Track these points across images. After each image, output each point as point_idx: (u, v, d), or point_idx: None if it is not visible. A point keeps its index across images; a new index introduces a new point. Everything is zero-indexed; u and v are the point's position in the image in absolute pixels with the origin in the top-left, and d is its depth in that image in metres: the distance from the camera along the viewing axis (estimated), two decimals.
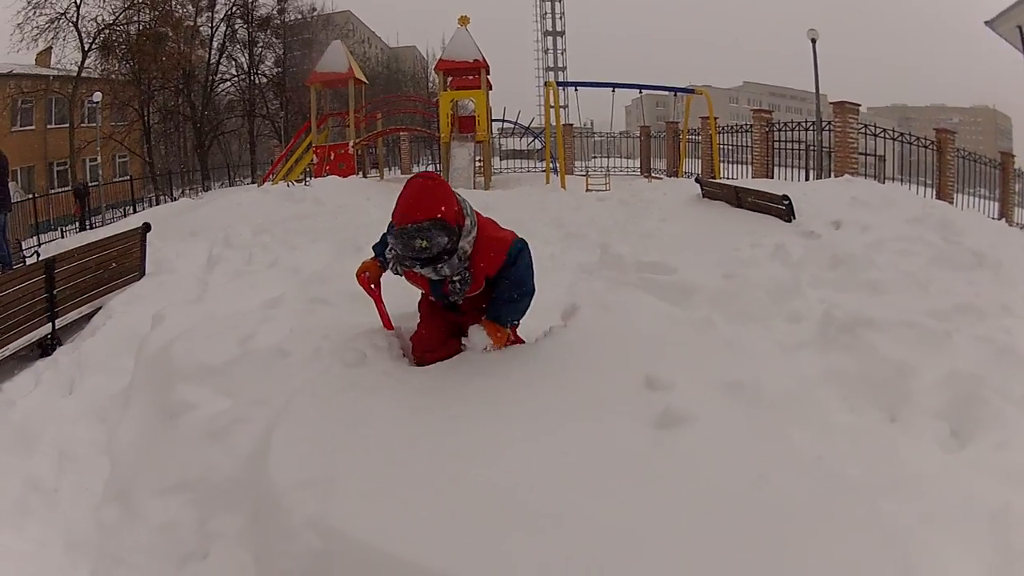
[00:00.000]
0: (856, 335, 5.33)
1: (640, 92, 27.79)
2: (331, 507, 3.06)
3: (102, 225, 26.88)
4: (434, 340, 4.69)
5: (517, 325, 4.67)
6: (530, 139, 35.24)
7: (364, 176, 30.17)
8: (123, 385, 5.71)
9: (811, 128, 23.26)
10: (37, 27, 37.75)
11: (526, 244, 4.52)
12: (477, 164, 28.70)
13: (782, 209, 10.67)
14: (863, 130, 22.01)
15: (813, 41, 22.43)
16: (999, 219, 17.54)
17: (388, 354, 4.51)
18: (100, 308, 9.07)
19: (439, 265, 4.15)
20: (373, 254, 4.86)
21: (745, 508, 2.94)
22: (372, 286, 4.81)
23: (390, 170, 36.27)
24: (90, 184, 32.95)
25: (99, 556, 3.82)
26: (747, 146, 26.49)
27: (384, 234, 4.64)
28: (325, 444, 3.49)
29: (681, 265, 7.75)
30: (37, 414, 6.01)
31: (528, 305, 4.57)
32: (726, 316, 6.13)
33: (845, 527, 2.94)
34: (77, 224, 29.38)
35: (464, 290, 4.33)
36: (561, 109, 29.55)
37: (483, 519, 2.89)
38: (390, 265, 4.49)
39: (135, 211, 30.38)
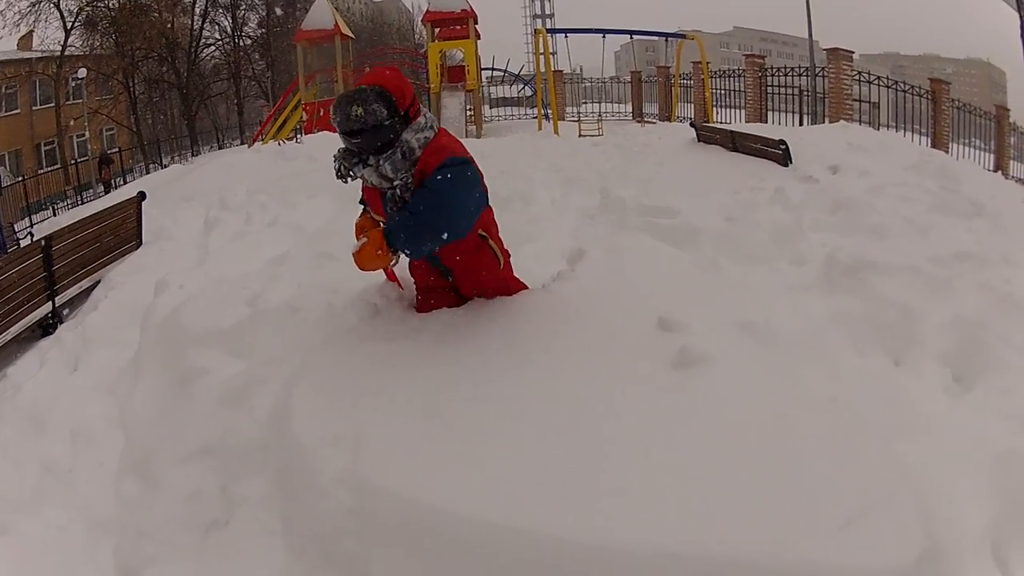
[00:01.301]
0: (860, 279, 5.44)
1: (631, 38, 27.53)
2: (361, 461, 3.08)
3: (94, 198, 26.85)
4: (433, 290, 4.37)
5: (404, 255, 3.94)
6: (520, 86, 35.10)
7: None
8: (130, 356, 5.65)
9: (804, 74, 23.20)
10: (19, 12, 37.47)
11: (473, 165, 3.96)
12: (468, 113, 28.78)
13: (779, 154, 10.66)
14: (857, 77, 21.93)
15: None
16: (995, 172, 17.57)
17: (399, 305, 4.40)
18: (99, 281, 9.03)
19: (381, 161, 3.79)
20: (362, 208, 4.46)
21: (769, 446, 2.98)
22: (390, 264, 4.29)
23: None
24: (110, 151, 34.91)
25: (122, 532, 3.77)
26: (740, 91, 26.34)
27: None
28: (347, 398, 3.49)
29: (683, 208, 7.83)
30: (45, 395, 5.93)
31: (432, 239, 3.79)
32: (731, 258, 6.19)
33: (864, 465, 2.98)
34: (103, 189, 30.37)
35: (399, 204, 3.87)
36: (551, 56, 29.42)
37: (511, 464, 2.91)
38: (335, 169, 4.02)
39: (125, 182, 30.32)
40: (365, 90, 3.74)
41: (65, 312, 8.65)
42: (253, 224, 9.60)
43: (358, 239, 4.06)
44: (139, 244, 10.07)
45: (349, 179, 3.98)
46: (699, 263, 5.50)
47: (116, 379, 5.66)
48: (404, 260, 4.22)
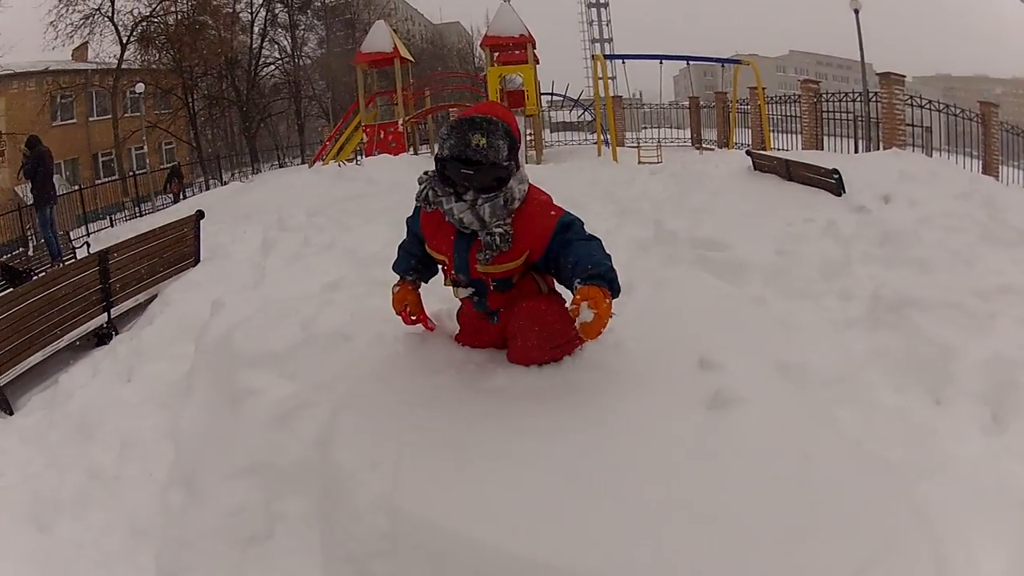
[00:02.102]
0: (903, 315, 5.47)
1: (688, 64, 27.38)
2: (397, 488, 3.12)
3: (152, 211, 27.34)
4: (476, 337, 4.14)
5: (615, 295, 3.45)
6: (580, 111, 35.06)
7: (415, 153, 30.10)
8: (183, 372, 5.77)
9: (858, 99, 22.93)
10: (71, 24, 38.17)
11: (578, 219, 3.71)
12: (528, 138, 28.55)
13: (832, 183, 10.59)
14: (909, 101, 21.56)
15: (856, 12, 22.18)
16: None
17: (446, 337, 4.34)
18: (156, 296, 9.25)
19: (481, 201, 3.53)
20: (399, 277, 4.27)
21: (789, 489, 2.95)
22: (414, 317, 4.24)
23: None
24: (179, 165, 36.08)
25: (164, 540, 3.90)
26: (796, 116, 26.06)
27: (402, 248, 4.22)
28: (390, 426, 3.52)
29: (734, 241, 7.85)
30: (96, 403, 6.18)
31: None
32: (778, 293, 6.24)
33: (882, 509, 2.96)
34: (172, 200, 31.46)
35: (496, 252, 3.58)
36: (609, 81, 29.27)
37: (548, 497, 2.94)
38: (420, 195, 3.78)
39: (184, 196, 30.88)
40: (494, 122, 3.49)
41: (120, 324, 8.89)
42: (310, 247, 9.74)
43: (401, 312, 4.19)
44: (197, 261, 10.31)
45: (430, 207, 3.76)
46: (746, 299, 5.50)
47: (168, 393, 5.93)
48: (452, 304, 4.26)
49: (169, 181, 34.18)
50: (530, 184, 3.76)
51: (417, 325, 4.30)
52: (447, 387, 3.81)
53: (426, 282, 4.28)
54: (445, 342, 4.27)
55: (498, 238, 3.55)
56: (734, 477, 3.00)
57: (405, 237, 4.21)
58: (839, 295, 6.28)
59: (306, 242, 10.00)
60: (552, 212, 3.65)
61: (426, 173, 3.82)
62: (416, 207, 3.91)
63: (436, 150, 3.67)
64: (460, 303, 4.12)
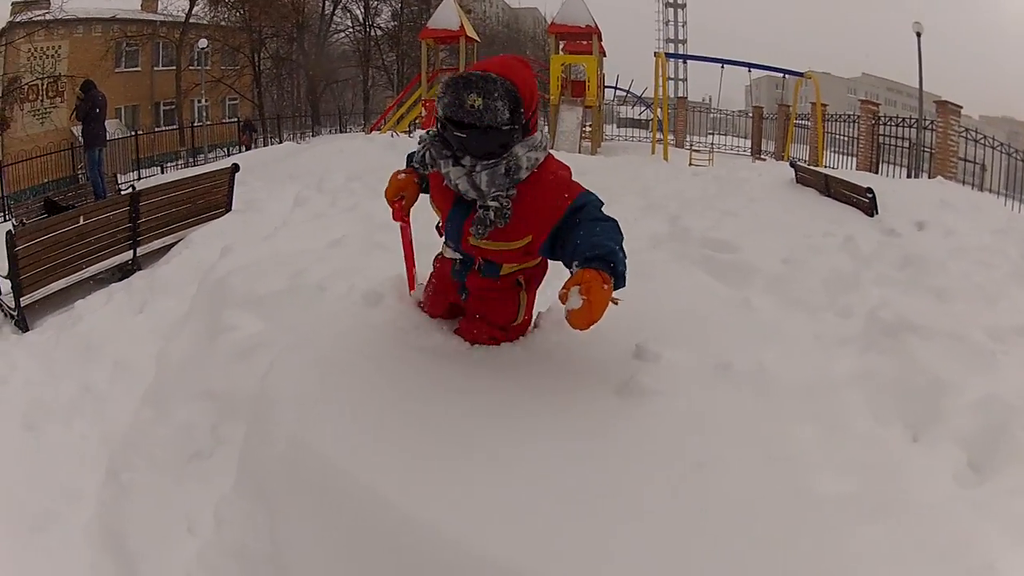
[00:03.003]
0: (899, 339, 5.13)
1: (749, 71, 27.12)
2: (306, 422, 3.27)
3: (204, 163, 27.81)
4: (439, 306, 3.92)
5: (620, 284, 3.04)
6: (641, 108, 34.90)
7: None
8: (187, 308, 6.10)
9: (914, 125, 22.62)
10: None
11: (600, 201, 3.26)
12: (585, 129, 28.55)
13: (865, 202, 10.51)
14: (964, 134, 21.15)
15: (918, 35, 21.94)
16: None
17: (407, 298, 4.25)
18: (182, 239, 9.52)
19: (479, 167, 3.19)
20: (406, 163, 3.88)
21: (675, 494, 2.78)
22: (404, 220, 3.90)
23: None
24: (254, 120, 37.29)
25: (124, 446, 4.30)
26: (855, 137, 25.68)
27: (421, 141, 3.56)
28: (320, 369, 3.61)
29: (746, 245, 7.78)
30: (103, 329, 6.57)
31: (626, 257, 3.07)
32: (776, 301, 6.12)
33: (789, 544, 2.66)
34: (243, 148, 32.59)
35: (490, 228, 3.19)
36: (680, 82, 29.04)
37: (428, 452, 3.00)
38: (417, 154, 3.53)
39: (240, 152, 31.31)
40: (494, 80, 3.05)
41: (146, 263, 9.24)
42: (335, 207, 9.96)
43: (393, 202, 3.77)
44: (228, 210, 10.58)
45: (429, 169, 3.45)
46: (731, 300, 5.36)
47: (171, 326, 6.16)
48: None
49: (241, 132, 35.40)
50: (550, 156, 3.36)
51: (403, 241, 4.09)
52: (383, 340, 3.81)
53: (424, 191, 3.80)
54: (400, 303, 4.19)
55: (492, 213, 3.16)
56: (618, 472, 2.88)
57: None
58: (838, 312, 6.09)
59: (333, 203, 10.27)
60: (566, 193, 3.21)
61: (428, 132, 3.46)
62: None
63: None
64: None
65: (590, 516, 2.65)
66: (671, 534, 2.60)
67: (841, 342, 5.35)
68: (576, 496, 2.73)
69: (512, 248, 3.31)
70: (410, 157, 3.80)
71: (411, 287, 4.15)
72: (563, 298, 2.85)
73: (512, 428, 3.08)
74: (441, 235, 3.61)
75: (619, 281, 2.98)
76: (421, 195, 3.82)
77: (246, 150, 31.58)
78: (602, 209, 3.20)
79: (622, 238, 3.09)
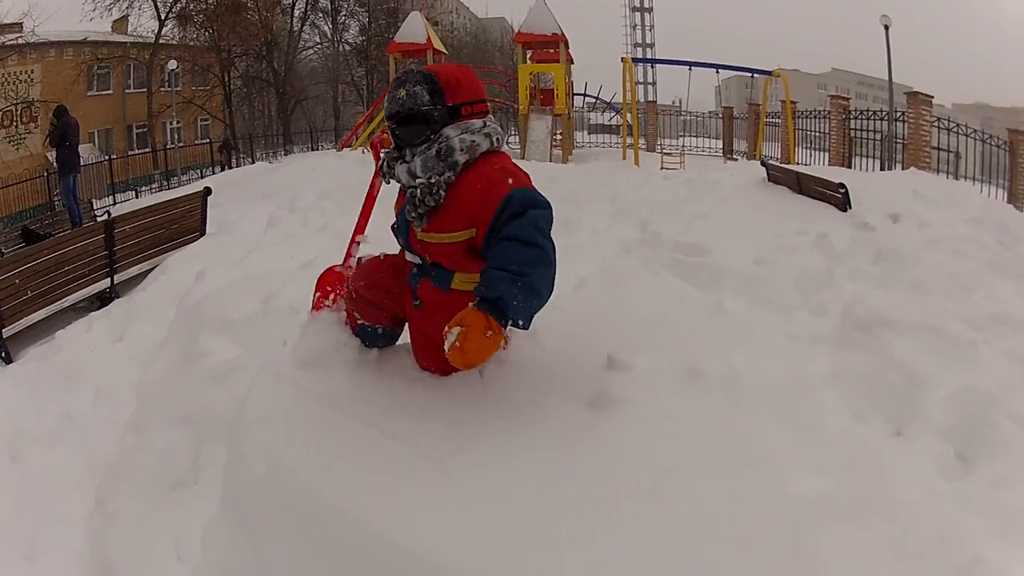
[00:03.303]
0: (873, 335, 5.03)
1: (717, 72, 27.25)
2: (283, 446, 3.33)
3: (178, 186, 27.81)
4: (376, 276, 3.78)
5: (517, 327, 3.10)
6: (611, 114, 34.99)
7: None
8: (164, 334, 6.14)
9: (885, 118, 22.72)
10: None
11: (546, 202, 3.19)
12: (556, 137, 28.68)
13: (838, 197, 10.52)
14: (936, 123, 21.26)
15: (886, 28, 22.06)
16: None
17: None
18: (158, 265, 9.56)
19: (415, 154, 3.30)
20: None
21: (645, 500, 2.78)
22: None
23: None
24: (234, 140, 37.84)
25: (109, 473, 4.36)
26: (826, 133, 25.88)
27: None
28: (295, 392, 3.65)
29: (716, 248, 7.78)
30: (83, 357, 6.62)
31: (542, 295, 3.05)
32: (746, 303, 6.04)
33: (762, 546, 2.65)
34: (221, 170, 32.27)
35: (427, 205, 3.23)
36: (649, 86, 29.17)
37: (400, 471, 3.03)
38: (382, 163, 3.57)
39: (213, 173, 31.30)
40: (415, 73, 3.31)
41: (124, 290, 9.30)
42: (307, 227, 10.05)
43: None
44: (202, 234, 10.65)
45: (391, 180, 3.52)
46: (702, 304, 5.28)
47: (149, 352, 6.19)
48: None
49: (220, 151, 35.67)
50: (504, 154, 3.40)
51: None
52: (356, 361, 3.82)
53: None
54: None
55: (419, 190, 3.23)
56: (588, 481, 2.88)
57: None
58: (813, 310, 5.99)
59: (305, 223, 10.35)
60: (508, 181, 3.16)
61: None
62: None
63: None
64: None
65: (561, 526, 2.67)
66: (642, 539, 2.61)
67: (815, 340, 5.27)
68: (548, 508, 2.75)
69: (454, 241, 3.28)
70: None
71: (348, 257, 4.23)
72: (444, 335, 2.95)
73: (486, 445, 3.08)
74: (395, 235, 3.63)
75: (505, 323, 3.00)
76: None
77: (225, 169, 31.90)
78: (537, 222, 3.09)
79: (536, 271, 3.01)
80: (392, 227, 3.65)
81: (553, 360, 3.71)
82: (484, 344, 2.93)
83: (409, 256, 3.56)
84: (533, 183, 3.28)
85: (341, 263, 4.19)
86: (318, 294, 4.03)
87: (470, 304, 2.99)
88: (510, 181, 3.15)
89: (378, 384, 3.61)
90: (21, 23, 33.12)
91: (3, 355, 8.14)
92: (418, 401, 3.44)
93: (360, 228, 4.24)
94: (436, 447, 3.07)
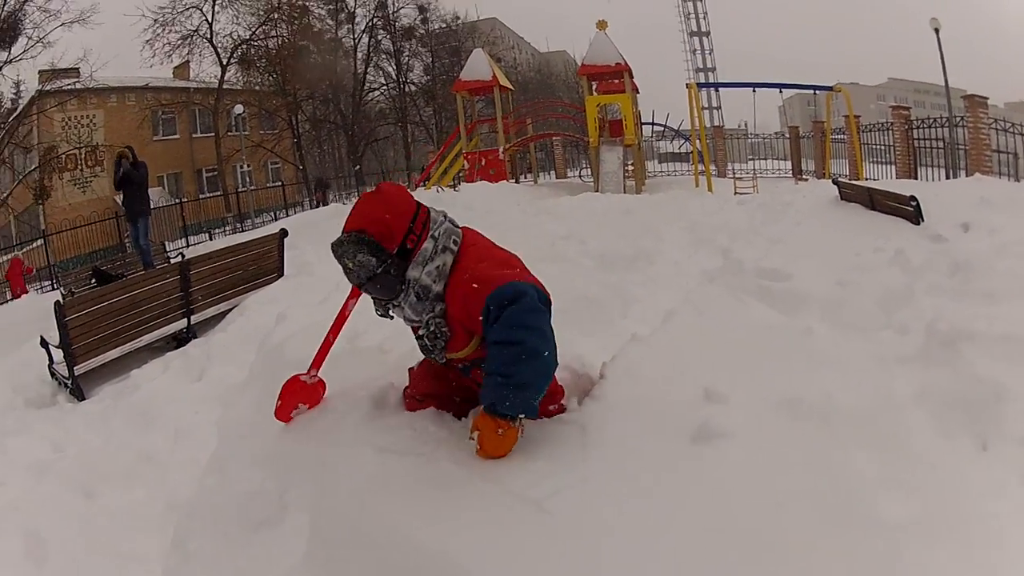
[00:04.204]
0: (956, 350, 5.11)
1: (780, 91, 27.11)
2: (375, 489, 3.34)
3: (253, 228, 28.24)
4: (427, 385, 3.93)
5: (523, 419, 3.24)
6: (680, 142, 34.92)
7: (516, 181, 30.70)
8: (245, 375, 6.06)
9: (945, 124, 22.47)
10: (169, 43, 39.58)
11: (524, 291, 3.18)
12: (628, 168, 28.67)
13: (910, 211, 10.41)
14: (994, 125, 21.03)
15: (936, 31, 21.76)
16: None
17: None
18: (236, 306, 9.70)
19: (402, 302, 3.41)
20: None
21: (753, 536, 2.73)
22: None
23: (545, 175, 36.93)
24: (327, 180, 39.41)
25: (189, 512, 4.29)
26: (891, 145, 25.64)
27: None
28: (386, 432, 3.71)
29: (797, 272, 7.78)
30: (161, 397, 6.69)
31: (535, 386, 3.19)
32: (831, 325, 6.04)
33: (858, 567, 2.66)
34: (317, 204, 34.78)
35: (439, 347, 3.43)
36: (714, 111, 29.09)
37: (509, 513, 2.97)
38: (376, 308, 3.69)
39: (287, 215, 31.76)
40: (342, 242, 3.32)
41: (201, 330, 9.49)
42: None
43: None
44: (280, 275, 10.78)
45: (391, 318, 3.65)
46: (790, 329, 5.17)
47: (229, 392, 6.18)
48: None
49: (315, 190, 37.95)
50: (466, 244, 3.49)
51: None
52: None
53: None
54: None
55: (427, 340, 3.44)
56: (696, 516, 2.83)
57: None
58: (895, 329, 6.05)
59: None
60: (481, 289, 3.20)
61: None
62: None
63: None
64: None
65: (673, 568, 2.61)
66: (755, 547, 2.65)
67: (901, 360, 5.30)
68: (655, 547, 2.70)
69: (472, 350, 3.44)
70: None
71: (315, 366, 4.19)
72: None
73: (586, 485, 3.05)
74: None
75: (525, 412, 3.18)
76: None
77: (320, 205, 33.51)
78: (512, 319, 3.14)
79: (521, 369, 3.12)
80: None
81: (649, 395, 3.70)
82: (499, 442, 3.17)
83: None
84: (516, 265, 3.47)
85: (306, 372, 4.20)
86: (280, 403, 4.09)
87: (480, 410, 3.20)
88: (481, 288, 3.20)
89: (465, 428, 3.54)
90: (78, 68, 34.01)
91: (76, 392, 8.34)
92: (520, 440, 3.39)
93: (325, 349, 4.23)
94: (532, 488, 3.02)
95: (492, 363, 3.16)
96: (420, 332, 3.44)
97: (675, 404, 3.57)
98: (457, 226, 3.57)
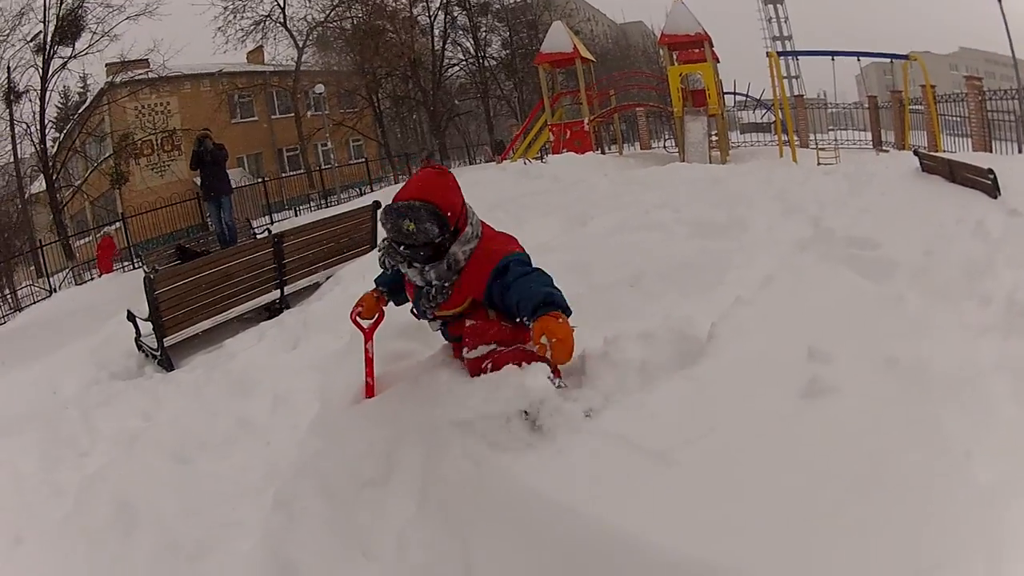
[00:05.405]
0: None
1: (858, 60, 26.68)
2: (483, 440, 3.53)
3: (338, 204, 28.53)
4: None
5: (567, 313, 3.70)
6: (762, 112, 34.50)
7: (602, 152, 30.72)
8: (345, 342, 6.24)
9: (1015, 97, 22.08)
10: (241, 29, 39.55)
11: (527, 256, 4.06)
12: (712, 138, 28.47)
13: (988, 184, 10.28)
14: None
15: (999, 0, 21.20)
16: None
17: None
18: (330, 277, 9.92)
19: (427, 268, 3.99)
20: (374, 285, 4.72)
21: (852, 490, 2.85)
22: (365, 325, 4.62)
23: (629, 146, 36.58)
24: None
25: (292, 476, 4.47)
26: (965, 116, 24.72)
27: (382, 268, 4.39)
28: None
29: (886, 240, 7.70)
30: (257, 365, 6.79)
31: (553, 284, 3.82)
32: (919, 293, 6.07)
33: (949, 525, 2.75)
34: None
35: (436, 303, 4.08)
36: (794, 80, 28.68)
37: (624, 460, 3.13)
38: (379, 259, 4.26)
39: (372, 191, 32.15)
40: (418, 207, 3.82)
41: (293, 301, 9.89)
42: None
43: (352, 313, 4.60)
44: (373, 247, 10.99)
45: (390, 271, 4.28)
46: (882, 296, 5.40)
47: (327, 360, 6.39)
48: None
49: (423, 161, 36.21)
50: (485, 232, 4.17)
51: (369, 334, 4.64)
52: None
53: (394, 303, 4.71)
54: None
55: (434, 291, 4.03)
56: (805, 467, 2.99)
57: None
58: (981, 299, 5.93)
59: None
60: (489, 261, 3.96)
61: (383, 240, 4.16)
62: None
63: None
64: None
65: (792, 515, 2.77)
66: (867, 524, 2.70)
67: (984, 329, 5.30)
68: (775, 497, 2.85)
69: (460, 309, 4.13)
70: (376, 279, 4.70)
71: (368, 394, 4.57)
72: (542, 350, 3.52)
73: (709, 438, 3.22)
74: (416, 316, 4.42)
75: (567, 312, 3.66)
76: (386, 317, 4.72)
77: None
78: (525, 263, 3.96)
79: (550, 279, 3.84)
80: (411, 311, 4.42)
81: (757, 353, 3.93)
82: (566, 330, 3.52)
83: (430, 326, 4.44)
84: (516, 242, 4.19)
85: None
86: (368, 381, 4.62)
87: (527, 320, 3.68)
88: (489, 262, 3.96)
89: (583, 384, 3.85)
90: (147, 59, 34.38)
91: (165, 363, 8.66)
92: (627, 399, 3.65)
93: (370, 388, 4.62)
94: (655, 442, 3.18)
95: (526, 285, 3.77)
96: (429, 290, 4.04)
97: (783, 362, 3.78)
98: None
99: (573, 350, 3.56)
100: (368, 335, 4.59)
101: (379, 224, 4.13)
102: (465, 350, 4.03)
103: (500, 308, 4.02)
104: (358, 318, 4.60)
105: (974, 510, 2.84)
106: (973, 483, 3.01)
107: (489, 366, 3.87)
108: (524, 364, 3.75)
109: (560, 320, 3.55)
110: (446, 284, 4.02)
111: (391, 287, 4.59)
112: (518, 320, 3.80)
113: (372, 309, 4.62)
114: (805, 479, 2.92)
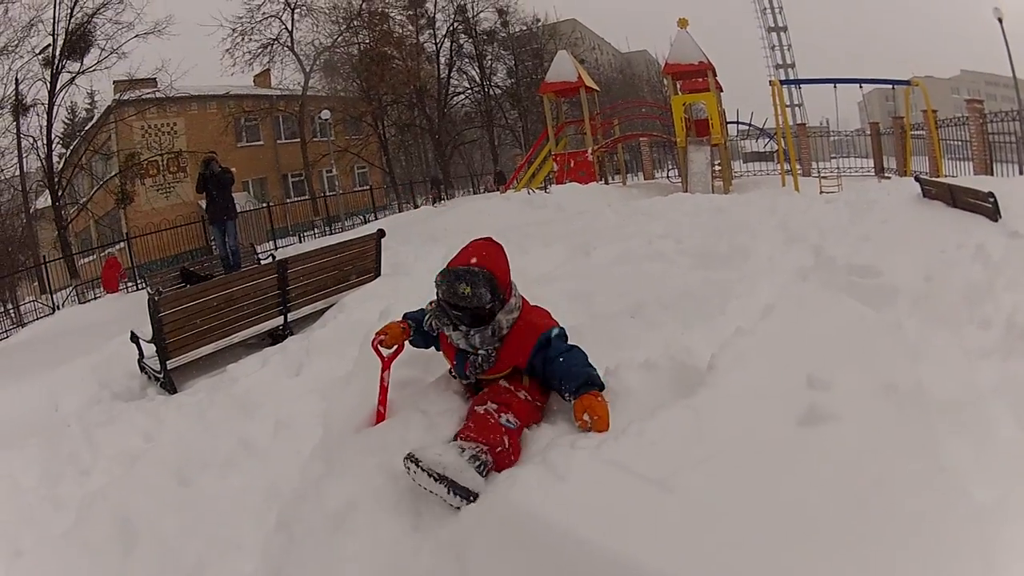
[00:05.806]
0: None
1: (860, 87, 26.76)
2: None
3: (342, 231, 28.61)
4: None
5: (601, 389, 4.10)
6: (765, 141, 34.61)
7: (605, 183, 30.70)
8: (348, 369, 6.23)
9: (1016, 119, 22.11)
10: (249, 52, 39.94)
11: (564, 330, 4.34)
12: (715, 168, 28.65)
13: (988, 207, 10.30)
14: None
15: (1000, 20, 21.25)
16: None
17: None
18: (334, 304, 9.95)
19: (472, 332, 4.19)
20: (402, 317, 4.84)
21: (850, 511, 2.95)
22: (386, 353, 4.70)
23: (633, 176, 37.06)
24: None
25: (294, 499, 4.50)
26: (967, 140, 24.83)
27: (423, 308, 4.69)
28: None
29: (887, 268, 7.76)
30: (259, 389, 6.80)
31: (592, 365, 4.18)
32: (920, 319, 6.15)
33: (944, 548, 2.83)
34: (432, 201, 35.51)
35: (483, 369, 4.29)
36: (796, 108, 28.76)
37: (629, 489, 3.18)
38: (426, 320, 4.52)
39: (376, 218, 32.28)
40: (476, 273, 4.08)
41: (297, 328, 9.84)
42: None
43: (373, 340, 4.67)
44: (377, 275, 11.04)
45: (435, 332, 4.49)
46: (882, 324, 5.33)
47: (330, 386, 6.38)
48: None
49: (431, 188, 38.63)
50: (524, 305, 4.40)
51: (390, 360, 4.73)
52: None
53: (412, 343, 4.79)
54: None
55: (480, 359, 4.25)
56: (799, 492, 3.07)
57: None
58: (980, 323, 6.10)
59: None
60: (533, 334, 4.22)
61: (431, 303, 4.50)
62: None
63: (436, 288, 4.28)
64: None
65: (787, 541, 2.84)
66: (864, 547, 2.79)
67: (984, 353, 5.50)
68: (771, 521, 2.93)
69: (502, 376, 4.35)
70: (406, 315, 4.82)
71: (379, 419, 4.65)
72: (584, 425, 3.87)
73: (706, 465, 3.28)
74: (453, 376, 4.65)
75: (601, 388, 4.06)
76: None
77: (437, 203, 34.29)
78: (564, 339, 4.29)
79: (586, 356, 4.19)
80: (449, 371, 4.71)
81: (756, 382, 3.98)
82: (604, 407, 3.91)
83: (464, 380, 4.57)
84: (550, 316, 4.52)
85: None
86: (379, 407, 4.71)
87: (568, 396, 4.08)
88: (538, 327, 4.26)
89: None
90: (155, 78, 34.48)
91: (167, 385, 8.65)
92: (627, 427, 3.69)
93: (380, 416, 4.70)
94: (655, 469, 3.26)
95: (569, 363, 4.12)
96: (479, 353, 4.25)
97: (782, 390, 3.84)
98: None
99: (608, 425, 3.83)
100: (387, 364, 4.68)
101: (435, 286, 4.26)
102: (479, 404, 4.19)
103: (539, 376, 4.27)
104: (379, 346, 4.67)
105: (972, 532, 2.93)
106: (970, 504, 3.10)
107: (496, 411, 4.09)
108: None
109: (599, 399, 3.93)
110: (491, 351, 4.23)
111: (420, 327, 4.68)
112: (559, 390, 4.17)
113: (396, 338, 4.70)
114: (802, 505, 2.98)
